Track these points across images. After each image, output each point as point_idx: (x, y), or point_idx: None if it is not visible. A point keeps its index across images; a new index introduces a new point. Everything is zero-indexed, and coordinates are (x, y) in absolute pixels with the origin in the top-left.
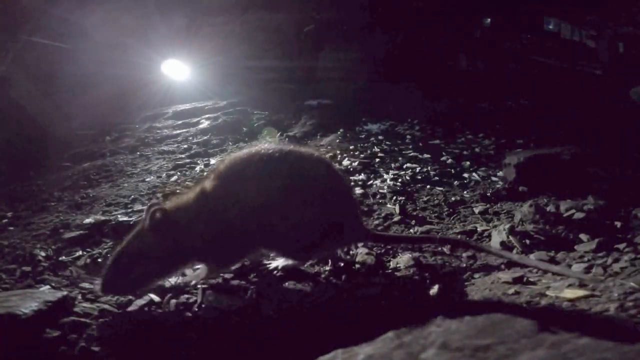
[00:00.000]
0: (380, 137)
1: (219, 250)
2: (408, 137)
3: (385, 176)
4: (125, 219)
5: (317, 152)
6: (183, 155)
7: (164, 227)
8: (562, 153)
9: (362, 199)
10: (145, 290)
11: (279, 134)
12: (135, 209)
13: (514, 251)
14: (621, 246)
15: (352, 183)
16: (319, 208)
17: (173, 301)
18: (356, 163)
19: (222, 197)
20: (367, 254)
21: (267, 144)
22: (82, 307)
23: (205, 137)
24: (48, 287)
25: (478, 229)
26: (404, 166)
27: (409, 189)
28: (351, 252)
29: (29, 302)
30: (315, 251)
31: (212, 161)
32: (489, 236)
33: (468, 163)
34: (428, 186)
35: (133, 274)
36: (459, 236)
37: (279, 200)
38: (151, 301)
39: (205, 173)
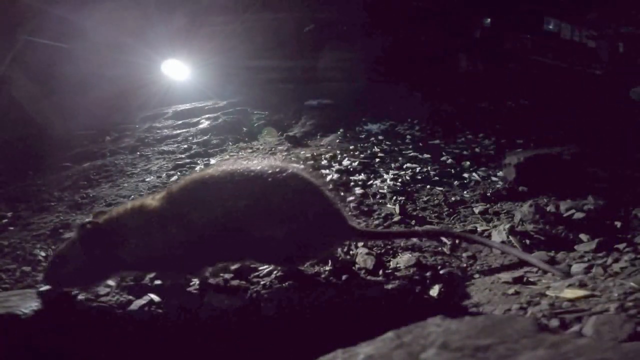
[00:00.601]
0: (380, 137)
1: (176, 262)
2: (408, 137)
3: (385, 176)
4: None
5: (285, 164)
6: (183, 155)
7: (92, 241)
8: (562, 153)
9: (362, 199)
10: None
11: (279, 134)
12: None
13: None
14: (621, 246)
15: (352, 183)
16: (291, 223)
17: (173, 301)
18: (356, 163)
19: (179, 218)
20: (367, 254)
21: (232, 162)
22: (82, 306)
23: (205, 137)
24: (48, 287)
25: (478, 229)
26: (404, 166)
27: (409, 189)
28: (351, 252)
29: (29, 302)
30: (301, 258)
31: (212, 161)
32: (489, 236)
33: (468, 163)
34: (428, 186)
35: (68, 273)
36: None
37: (248, 220)
38: (151, 301)
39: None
